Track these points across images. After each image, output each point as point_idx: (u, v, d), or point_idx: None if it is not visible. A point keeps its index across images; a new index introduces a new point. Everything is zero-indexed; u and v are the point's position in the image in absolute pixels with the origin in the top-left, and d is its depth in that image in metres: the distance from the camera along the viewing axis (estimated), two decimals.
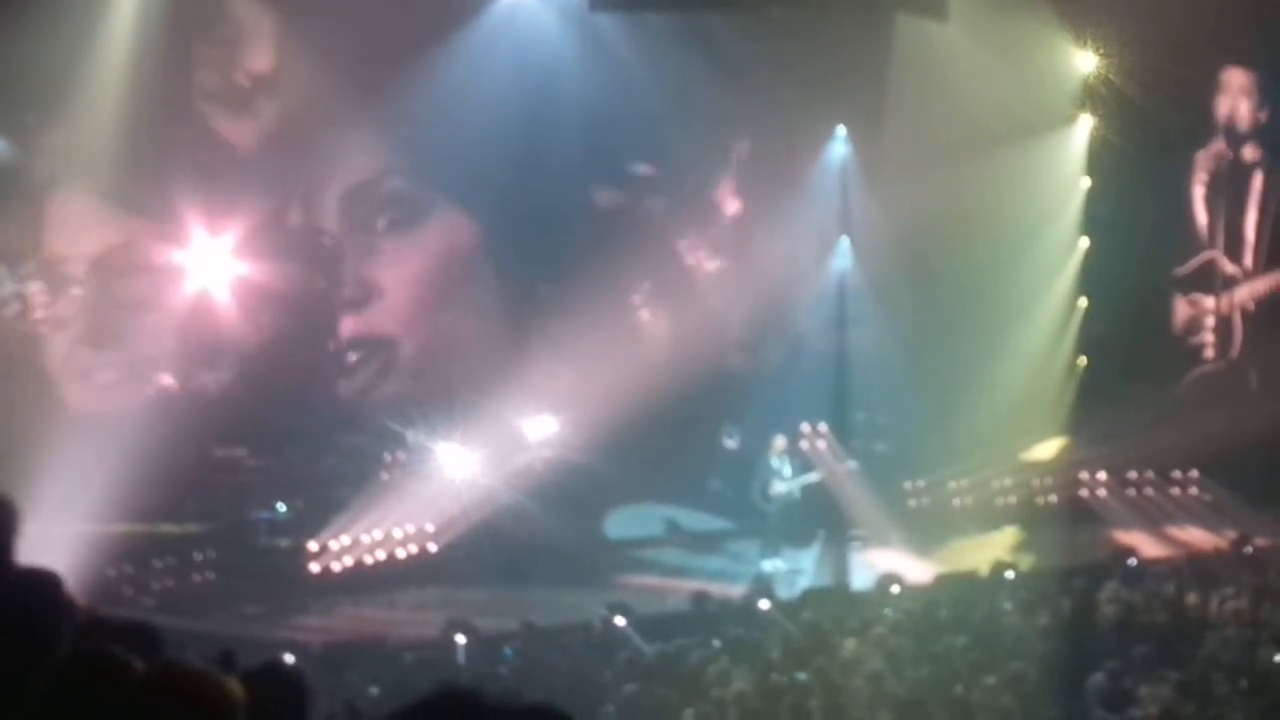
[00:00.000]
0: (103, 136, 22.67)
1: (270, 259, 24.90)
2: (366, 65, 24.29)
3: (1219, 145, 30.49)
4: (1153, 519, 28.20)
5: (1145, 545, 26.12)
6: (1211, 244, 30.68)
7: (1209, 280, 30.78)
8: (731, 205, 28.42)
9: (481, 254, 27.09)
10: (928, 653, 17.44)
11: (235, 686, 4.19)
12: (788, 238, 28.22)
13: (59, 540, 16.50)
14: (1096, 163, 28.99)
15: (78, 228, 23.32)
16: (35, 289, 23.20)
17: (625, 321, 27.59)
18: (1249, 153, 30.50)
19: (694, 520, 27.22)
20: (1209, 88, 30.24)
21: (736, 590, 22.94)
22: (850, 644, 17.89)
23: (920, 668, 16.95)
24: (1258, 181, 30.49)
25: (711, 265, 27.63)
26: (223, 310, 24.55)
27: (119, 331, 23.88)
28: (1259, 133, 30.34)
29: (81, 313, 23.56)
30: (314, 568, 23.77)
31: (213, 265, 24.34)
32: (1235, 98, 30.34)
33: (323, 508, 24.21)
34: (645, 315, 27.95)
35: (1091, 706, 15.86)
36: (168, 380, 24.20)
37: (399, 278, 26.29)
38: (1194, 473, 29.28)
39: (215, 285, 24.45)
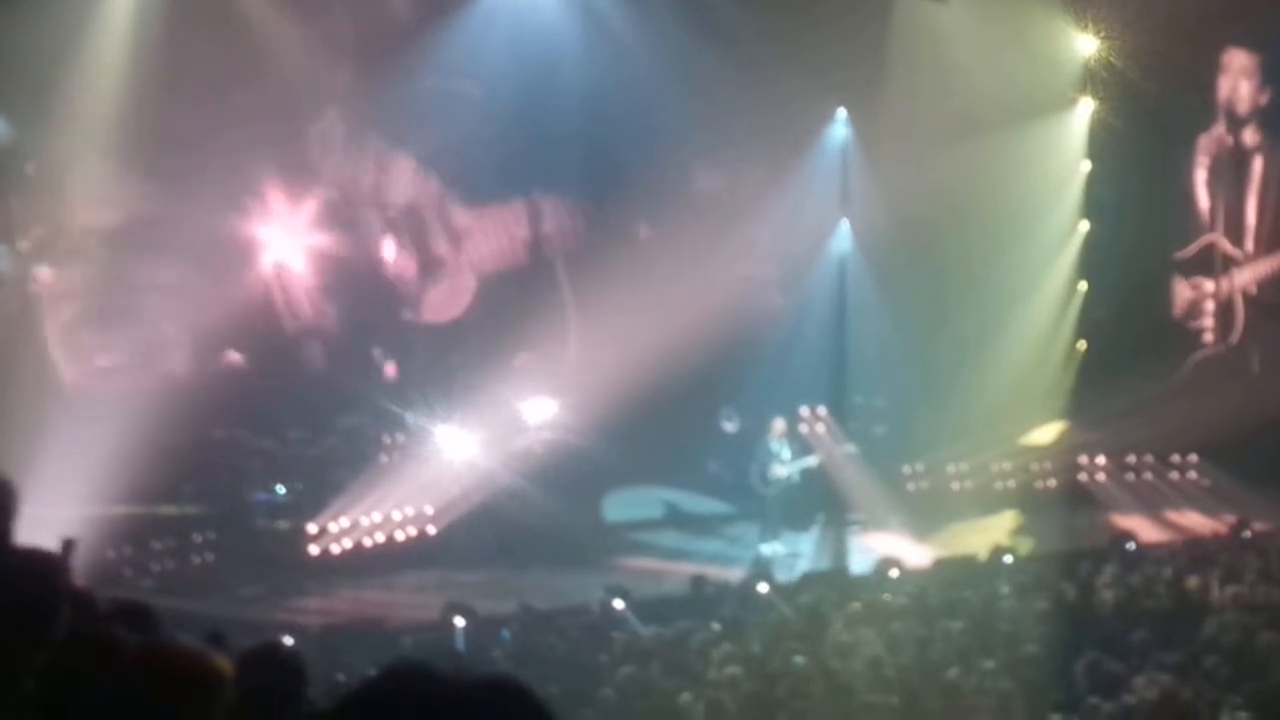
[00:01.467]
0: (109, 112, 22.69)
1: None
2: (363, 45, 24.28)
3: (1220, 128, 30.46)
4: (1152, 503, 28.21)
5: (1144, 529, 26.13)
6: (1212, 227, 30.66)
7: (1209, 264, 30.77)
8: (732, 187, 28.40)
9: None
10: (925, 636, 17.45)
11: (224, 663, 4.20)
12: (787, 220, 28.22)
13: (58, 521, 16.48)
14: (1097, 146, 29.00)
15: (86, 204, 23.27)
16: (38, 266, 23.21)
17: (625, 306, 27.62)
18: (1250, 135, 30.47)
19: (692, 503, 27.26)
20: (1210, 70, 30.20)
21: (735, 573, 22.94)
22: (838, 627, 17.89)
23: (917, 651, 16.96)
24: (1258, 164, 30.46)
25: (711, 248, 27.56)
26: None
27: (127, 310, 23.85)
28: (1260, 115, 30.29)
29: (88, 290, 23.53)
30: (313, 550, 23.78)
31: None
32: (1236, 79, 30.30)
33: (322, 490, 24.22)
34: (646, 299, 27.97)
35: (1088, 691, 15.85)
36: (180, 363, 24.19)
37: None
38: (1193, 457, 29.29)
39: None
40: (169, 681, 4.06)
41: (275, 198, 25.00)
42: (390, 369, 26.14)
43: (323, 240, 25.55)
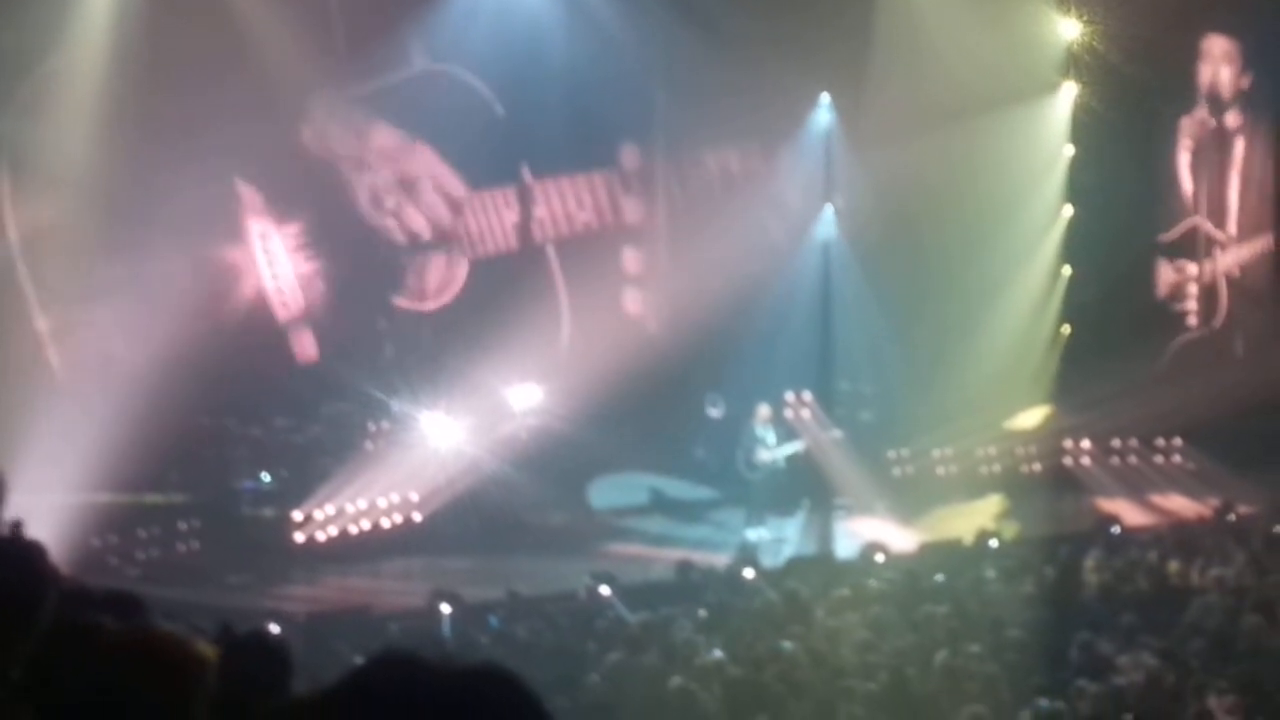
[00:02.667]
0: (95, 98, 22.67)
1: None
2: (347, 34, 24.28)
3: (1202, 112, 30.51)
4: (1136, 487, 28.24)
5: (1129, 513, 26.17)
6: (1195, 210, 30.71)
7: (1193, 247, 30.82)
8: (716, 173, 28.40)
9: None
10: (911, 621, 17.48)
11: (205, 648, 4.19)
12: (772, 205, 28.25)
13: (44, 510, 16.49)
14: (1080, 130, 28.99)
15: (70, 190, 23.16)
16: (24, 255, 23.17)
17: (612, 292, 27.65)
18: (1231, 119, 30.52)
19: (678, 489, 27.26)
20: (1192, 54, 30.25)
21: (721, 559, 22.94)
22: (824, 612, 17.91)
23: (903, 635, 16.99)
24: (1240, 148, 30.51)
25: (696, 232, 27.57)
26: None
27: (114, 297, 23.77)
28: (1241, 99, 30.34)
29: (72, 277, 23.46)
30: (299, 537, 23.77)
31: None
32: (1217, 64, 30.35)
33: (307, 477, 24.21)
34: (632, 285, 27.99)
35: (1074, 674, 15.89)
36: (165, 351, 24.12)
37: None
38: (1177, 440, 29.33)
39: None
40: (151, 667, 4.05)
41: (265, 182, 24.93)
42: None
43: (313, 227, 25.50)
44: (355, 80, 25.50)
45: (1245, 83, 30.26)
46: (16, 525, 7.15)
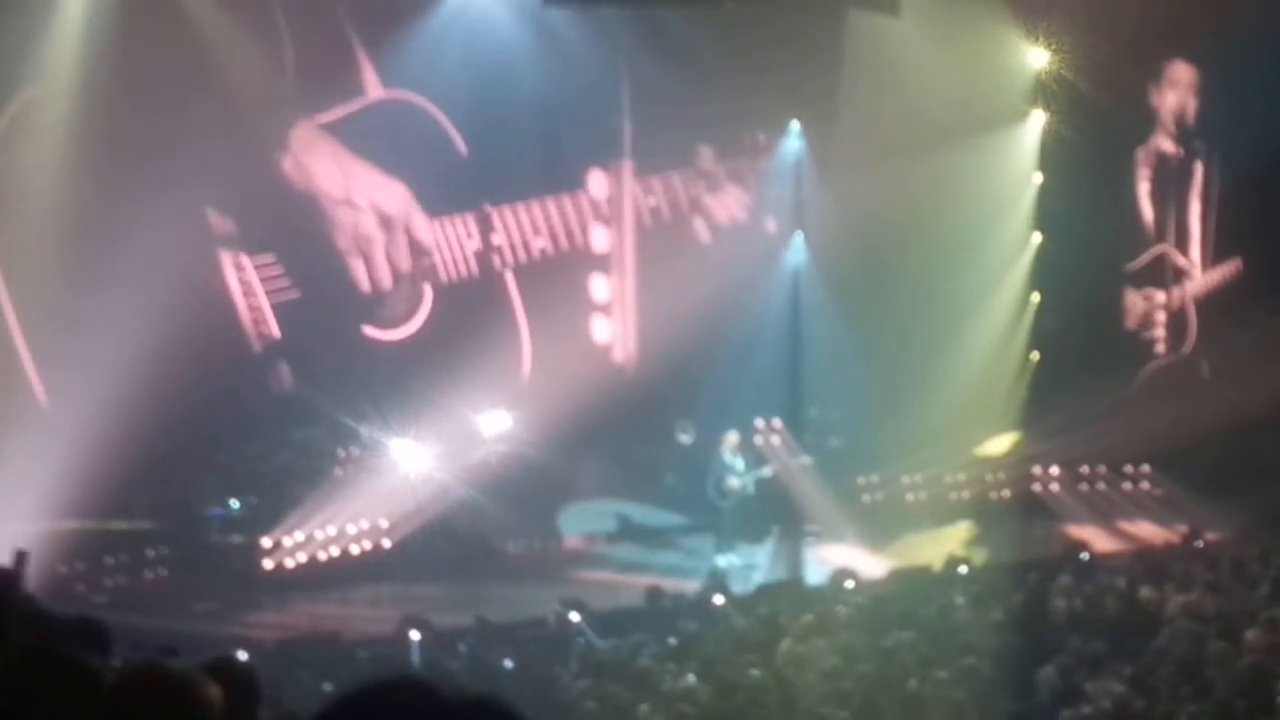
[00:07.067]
0: (68, 121, 22.64)
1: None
2: (317, 61, 24.28)
3: (1163, 139, 30.61)
4: (1105, 513, 28.29)
5: (1098, 539, 26.23)
6: (1161, 238, 30.79)
7: (1160, 274, 30.88)
8: (685, 199, 28.44)
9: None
10: (880, 647, 17.48)
11: (214, 689, 4.14)
12: (741, 232, 28.30)
13: (9, 536, 16.42)
14: (1049, 158, 29.06)
15: (45, 213, 23.05)
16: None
17: (581, 319, 27.64)
18: (1190, 146, 30.58)
19: (648, 515, 27.25)
20: (1156, 81, 30.36)
21: (691, 586, 22.96)
22: (792, 639, 17.90)
23: (872, 662, 16.99)
24: (1199, 175, 30.59)
25: (667, 258, 27.59)
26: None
27: (84, 321, 23.67)
28: (1200, 126, 30.42)
29: (44, 302, 23.35)
30: (267, 564, 23.72)
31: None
32: (1179, 92, 30.45)
33: (276, 504, 24.16)
34: (601, 312, 27.99)
35: (1043, 701, 15.91)
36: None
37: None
38: (1146, 467, 29.39)
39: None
40: (156, 708, 4.02)
41: (239, 212, 24.82)
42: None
43: (286, 258, 25.42)
44: (323, 108, 25.45)
45: (1204, 110, 30.34)
46: (21, 555, 7.11)
